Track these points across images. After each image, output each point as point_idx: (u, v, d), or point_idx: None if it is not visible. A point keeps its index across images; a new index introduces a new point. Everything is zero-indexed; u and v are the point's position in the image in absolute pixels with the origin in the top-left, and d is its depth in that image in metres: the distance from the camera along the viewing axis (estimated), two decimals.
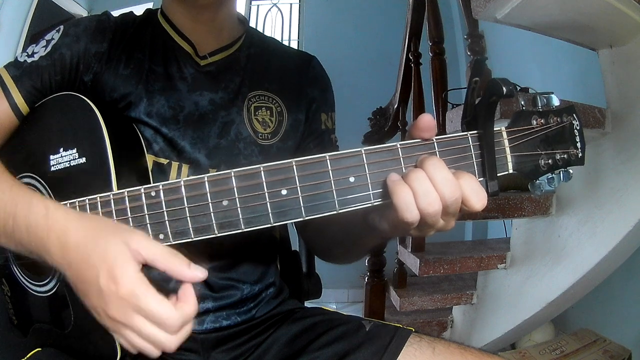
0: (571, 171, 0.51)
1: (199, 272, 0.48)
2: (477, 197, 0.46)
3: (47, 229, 0.49)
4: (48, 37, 0.71)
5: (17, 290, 0.69)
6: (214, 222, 0.48)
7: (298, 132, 0.79)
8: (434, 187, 0.45)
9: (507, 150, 0.49)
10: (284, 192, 0.47)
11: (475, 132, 0.48)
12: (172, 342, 0.47)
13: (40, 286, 0.65)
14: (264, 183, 0.47)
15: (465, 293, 1.84)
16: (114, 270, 0.46)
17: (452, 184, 0.45)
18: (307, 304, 0.96)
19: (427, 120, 0.48)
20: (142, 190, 0.51)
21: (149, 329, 0.46)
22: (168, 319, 0.46)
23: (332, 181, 0.47)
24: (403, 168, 0.48)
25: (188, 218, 0.49)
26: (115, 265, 0.46)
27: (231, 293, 0.76)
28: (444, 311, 1.98)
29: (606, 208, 1.36)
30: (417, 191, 0.45)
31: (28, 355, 0.65)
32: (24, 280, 0.67)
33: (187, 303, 0.48)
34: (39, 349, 0.66)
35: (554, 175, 0.50)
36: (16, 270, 0.68)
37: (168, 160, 0.71)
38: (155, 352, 0.48)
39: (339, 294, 3.31)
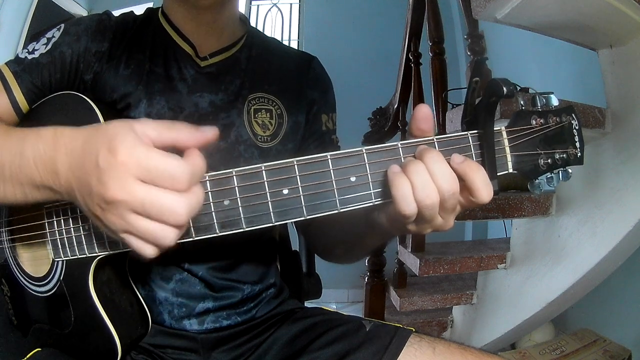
0: (570, 171, 0.51)
1: (209, 131, 0.45)
2: (486, 188, 0.46)
3: (55, 145, 0.46)
4: (49, 35, 0.71)
5: (17, 291, 0.69)
6: (215, 221, 0.48)
7: (298, 135, 0.79)
8: (432, 179, 0.45)
9: (507, 149, 0.50)
10: (285, 191, 0.47)
11: (476, 131, 0.49)
12: (182, 203, 0.41)
13: (40, 286, 0.65)
14: (265, 182, 0.47)
15: (465, 293, 1.84)
16: (112, 144, 0.41)
17: (450, 177, 0.46)
18: (307, 304, 0.97)
19: (424, 110, 0.49)
20: None
21: (156, 194, 0.41)
22: (176, 170, 0.41)
23: (334, 180, 0.47)
24: None
25: None
26: (115, 139, 0.41)
27: (232, 293, 0.76)
28: (444, 311, 1.98)
29: (606, 208, 1.36)
30: (415, 183, 0.45)
31: (28, 356, 0.65)
32: (23, 281, 0.67)
33: (195, 156, 0.43)
34: (39, 349, 0.66)
35: (553, 174, 0.50)
36: (16, 270, 0.68)
37: None
38: (169, 233, 0.43)
39: (339, 294, 3.32)
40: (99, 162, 0.41)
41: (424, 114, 0.49)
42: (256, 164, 0.48)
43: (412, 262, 1.73)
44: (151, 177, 0.41)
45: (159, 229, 0.42)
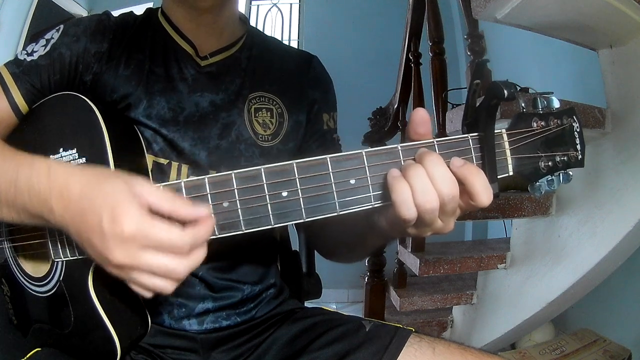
0: (571, 173, 0.51)
1: (203, 210, 0.46)
2: (486, 192, 0.46)
3: (50, 187, 0.48)
4: (48, 36, 0.71)
5: (17, 291, 0.69)
6: (214, 223, 0.48)
7: (299, 134, 0.79)
8: (432, 184, 0.45)
9: (508, 152, 0.49)
10: (284, 193, 0.47)
11: (476, 134, 0.49)
12: (183, 266, 0.45)
13: (40, 286, 0.65)
14: (265, 184, 0.47)
15: (465, 293, 1.84)
16: (116, 212, 0.44)
17: (450, 181, 0.46)
18: (307, 304, 0.97)
19: (421, 114, 0.49)
20: None
21: (159, 260, 0.44)
22: (178, 240, 0.44)
23: (333, 183, 0.47)
24: None
25: None
26: (117, 207, 0.44)
27: (232, 294, 0.76)
28: (444, 311, 1.98)
29: (606, 208, 1.36)
30: (415, 188, 0.45)
31: (28, 355, 0.65)
32: (23, 281, 0.67)
33: (197, 225, 0.46)
34: (39, 349, 0.66)
35: (553, 177, 0.50)
36: (16, 271, 0.68)
37: (168, 161, 0.71)
38: (169, 286, 0.46)
39: (339, 294, 3.32)
40: (103, 228, 0.44)
41: (421, 118, 0.49)
42: (257, 163, 0.48)
43: (412, 262, 1.73)
44: (155, 246, 0.44)
45: (160, 283, 0.46)
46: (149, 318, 0.67)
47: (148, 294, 0.48)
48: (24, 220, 0.53)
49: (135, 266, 0.45)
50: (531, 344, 1.83)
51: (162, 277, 0.46)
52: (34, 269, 0.66)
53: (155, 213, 0.45)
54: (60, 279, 0.62)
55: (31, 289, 0.66)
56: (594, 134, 1.37)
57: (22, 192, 0.50)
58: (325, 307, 0.81)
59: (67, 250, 0.59)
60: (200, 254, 0.47)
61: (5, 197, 0.52)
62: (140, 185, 0.46)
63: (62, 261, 0.61)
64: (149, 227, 0.44)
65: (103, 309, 0.59)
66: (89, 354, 0.63)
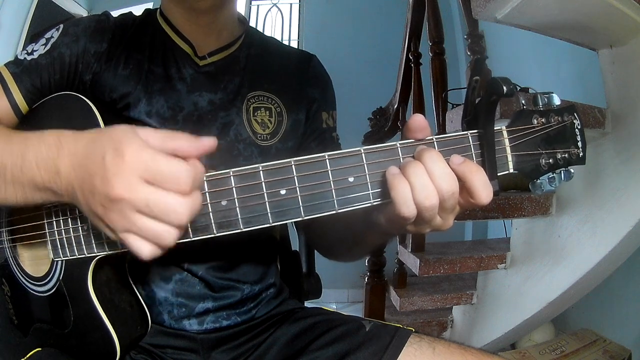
0: (572, 170, 0.50)
1: (208, 141, 0.46)
2: (485, 190, 0.46)
3: (58, 148, 0.47)
4: (48, 35, 0.71)
5: (17, 290, 0.69)
6: (212, 221, 0.48)
7: (298, 133, 0.79)
8: (432, 180, 0.45)
9: (508, 149, 0.49)
10: (283, 192, 0.47)
11: (476, 131, 0.48)
12: (185, 206, 0.42)
13: (40, 286, 0.65)
14: (263, 183, 0.47)
15: (465, 293, 1.84)
16: (120, 146, 0.42)
17: (450, 177, 0.45)
18: (307, 304, 0.96)
19: (419, 120, 0.48)
20: None
21: (160, 195, 0.42)
22: (181, 173, 0.42)
23: (331, 181, 0.47)
24: None
25: None
26: (122, 142, 0.43)
27: (231, 293, 0.76)
28: (444, 311, 1.98)
29: (606, 208, 1.36)
30: (415, 185, 0.45)
31: (28, 355, 0.65)
32: (23, 280, 0.67)
33: (196, 161, 0.45)
34: (39, 348, 0.66)
35: (554, 174, 0.50)
36: (16, 270, 0.68)
37: None
38: (170, 233, 0.43)
39: (339, 294, 3.31)
40: (105, 162, 0.43)
41: (419, 125, 0.48)
42: (255, 163, 0.48)
43: (412, 262, 1.73)
44: (156, 178, 0.42)
45: (161, 228, 0.43)
46: (149, 318, 0.66)
47: (147, 249, 0.44)
48: (28, 197, 0.51)
49: (134, 201, 0.42)
50: (531, 344, 1.83)
51: (163, 219, 0.42)
52: (34, 268, 0.66)
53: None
54: (60, 278, 0.62)
55: (31, 289, 0.66)
56: (594, 134, 1.37)
57: (30, 164, 0.49)
58: (325, 307, 0.81)
59: (67, 250, 0.59)
60: (199, 196, 0.45)
61: (11, 173, 0.51)
62: (143, 130, 0.45)
63: (62, 260, 0.61)
64: (150, 155, 0.42)
65: (103, 308, 0.59)
66: (89, 354, 0.63)
